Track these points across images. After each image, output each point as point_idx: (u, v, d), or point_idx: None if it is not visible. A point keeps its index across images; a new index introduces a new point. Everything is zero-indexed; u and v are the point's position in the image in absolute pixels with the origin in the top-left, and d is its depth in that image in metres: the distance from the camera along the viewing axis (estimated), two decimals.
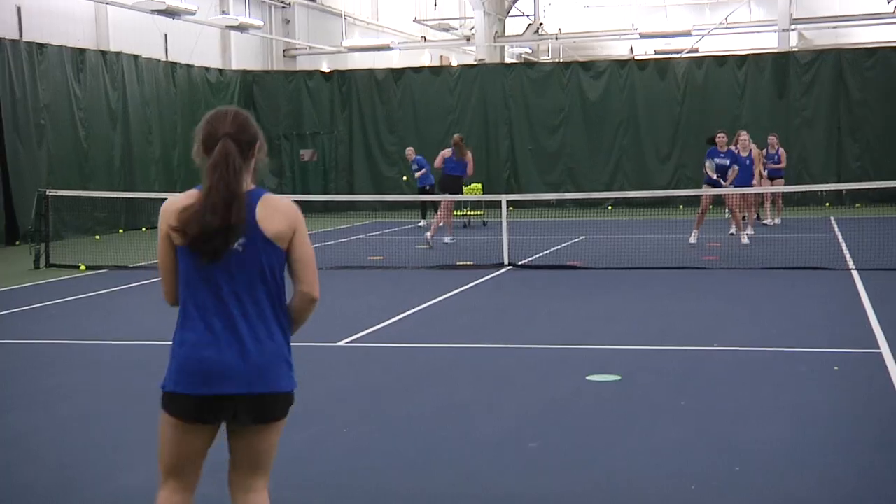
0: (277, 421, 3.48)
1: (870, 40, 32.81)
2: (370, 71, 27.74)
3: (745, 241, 15.64)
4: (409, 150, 22.09)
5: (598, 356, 8.27)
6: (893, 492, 4.98)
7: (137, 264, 15.16)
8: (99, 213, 20.68)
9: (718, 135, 16.08)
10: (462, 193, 17.81)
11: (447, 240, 16.99)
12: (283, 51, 30.76)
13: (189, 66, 24.94)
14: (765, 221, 19.28)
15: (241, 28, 26.51)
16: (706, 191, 15.78)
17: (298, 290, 3.51)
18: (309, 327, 9.52)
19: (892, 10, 30.57)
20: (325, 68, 29.59)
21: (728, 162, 15.84)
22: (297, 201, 16.05)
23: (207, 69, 25.82)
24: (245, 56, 28.77)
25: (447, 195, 17.18)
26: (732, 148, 16.48)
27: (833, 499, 4.90)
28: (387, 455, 5.74)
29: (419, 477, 5.39)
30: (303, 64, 30.81)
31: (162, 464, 3.56)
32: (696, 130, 24.51)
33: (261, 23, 27.64)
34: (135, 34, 23.54)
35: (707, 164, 15.90)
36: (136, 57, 22.69)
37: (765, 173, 18.79)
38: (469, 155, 17.49)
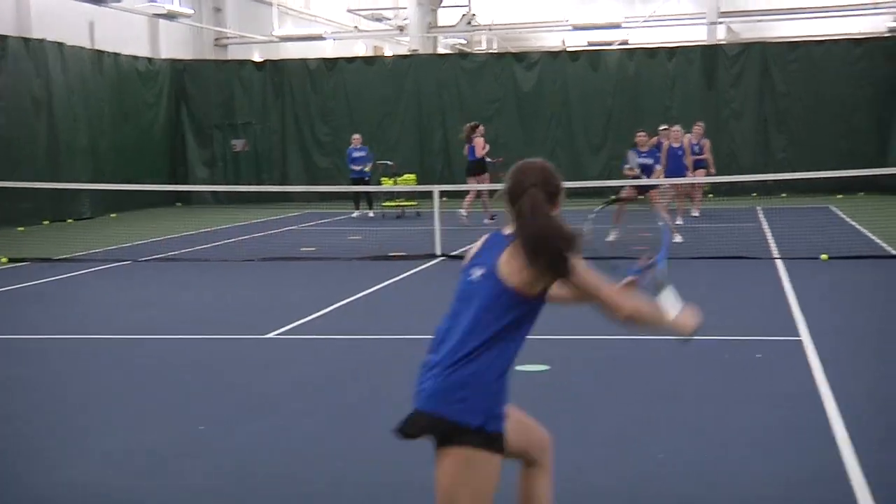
0: (449, 447, 3.27)
1: (794, 34, 33.47)
2: (303, 61, 27.52)
3: (678, 239, 15.60)
4: (357, 137, 22.00)
5: (526, 346, 8.31)
6: (808, 477, 5.09)
7: (62, 256, 14.86)
8: (23, 204, 20.18)
9: (638, 135, 16.11)
10: (484, 174, 19.54)
11: (486, 220, 18.68)
12: (215, 40, 30.33)
13: (116, 55, 24.46)
14: (693, 213, 19.50)
15: (171, 16, 26.06)
16: (631, 182, 15.85)
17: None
18: (236, 319, 9.37)
19: (813, 5, 31.24)
20: (258, 58, 29.28)
21: (651, 161, 15.85)
22: (228, 192, 15.87)
23: (136, 58, 25.36)
24: (175, 45, 28.31)
25: (472, 179, 19.27)
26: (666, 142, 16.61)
27: (752, 484, 5.00)
28: (314, 444, 5.72)
29: (341, 468, 5.38)
30: (234, 53, 30.43)
31: None
32: (628, 122, 24.75)
33: (191, 11, 27.19)
34: (59, 21, 22.99)
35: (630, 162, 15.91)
36: (60, 44, 22.17)
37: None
38: (476, 140, 19.53)
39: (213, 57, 29.44)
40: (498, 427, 3.32)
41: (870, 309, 9.67)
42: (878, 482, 4.90)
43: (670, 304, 3.70)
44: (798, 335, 8.32)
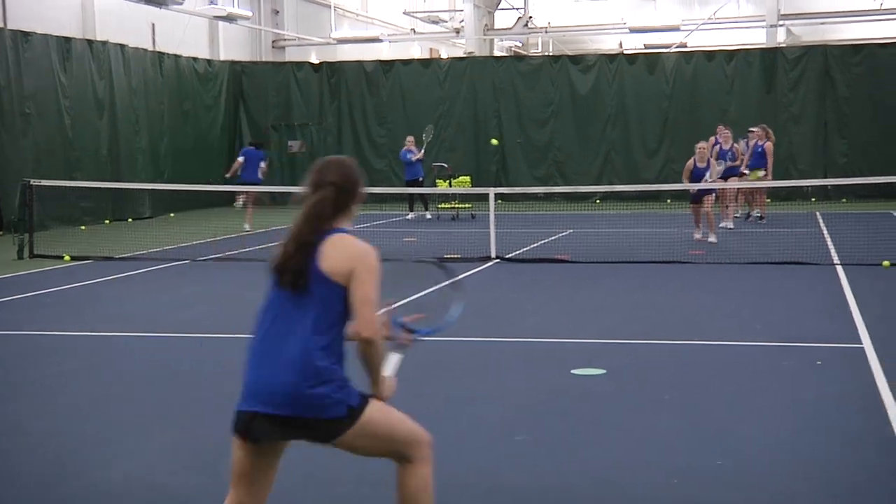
0: (331, 440, 3.59)
1: (857, 37, 32.91)
2: (359, 63, 27.68)
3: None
4: (410, 139, 22.06)
5: (583, 350, 8.30)
6: (871, 486, 5.01)
7: (123, 255, 15.11)
8: (85, 203, 20.57)
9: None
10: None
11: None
12: (272, 42, 30.65)
13: (177, 57, 24.83)
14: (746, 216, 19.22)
15: (230, 18, 26.38)
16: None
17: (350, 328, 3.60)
18: None
19: (878, 7, 30.69)
20: (314, 59, 29.51)
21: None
22: (282, 193, 15.88)
23: (195, 59, 25.71)
24: (233, 47, 28.66)
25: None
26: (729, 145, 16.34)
27: (815, 493, 4.93)
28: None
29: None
30: (292, 55, 30.71)
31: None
32: (685, 125, 24.59)
33: (249, 13, 27.51)
34: (122, 23, 23.41)
35: None
36: (122, 46, 22.56)
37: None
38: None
39: (270, 59, 29.75)
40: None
41: None
42: None
43: (390, 366, 3.84)
44: (860, 342, 8.19)
